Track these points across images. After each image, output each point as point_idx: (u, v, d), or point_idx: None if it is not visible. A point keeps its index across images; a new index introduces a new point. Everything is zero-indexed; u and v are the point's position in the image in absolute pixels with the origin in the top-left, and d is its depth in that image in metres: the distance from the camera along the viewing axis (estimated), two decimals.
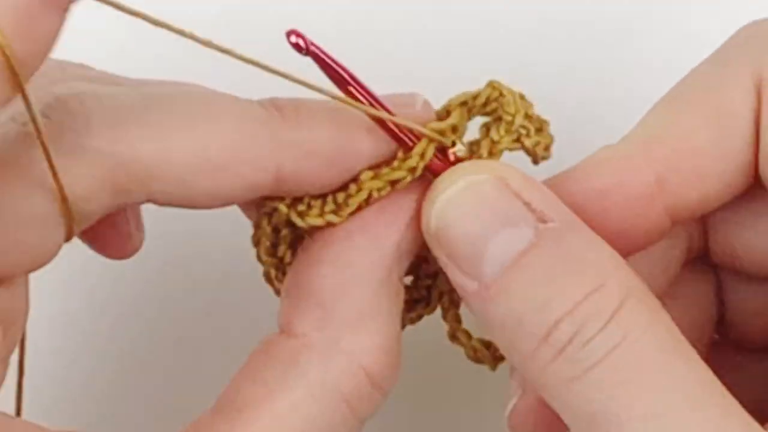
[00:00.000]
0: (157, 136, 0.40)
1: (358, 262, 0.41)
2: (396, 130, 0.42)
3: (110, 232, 0.47)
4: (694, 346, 0.39)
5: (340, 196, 0.42)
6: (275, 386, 0.39)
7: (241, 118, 0.41)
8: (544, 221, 0.39)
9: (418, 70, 0.58)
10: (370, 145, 0.42)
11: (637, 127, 0.43)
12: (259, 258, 0.44)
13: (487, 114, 0.44)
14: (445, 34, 0.58)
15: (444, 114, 0.44)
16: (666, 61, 0.59)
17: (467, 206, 0.40)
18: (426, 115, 0.43)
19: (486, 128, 0.44)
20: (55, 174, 0.38)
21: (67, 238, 0.40)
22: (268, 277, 0.44)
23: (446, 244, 0.40)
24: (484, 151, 0.43)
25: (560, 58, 0.59)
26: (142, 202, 0.41)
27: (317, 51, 0.40)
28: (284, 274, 0.43)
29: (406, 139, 0.42)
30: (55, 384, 0.58)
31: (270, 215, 0.43)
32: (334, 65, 0.41)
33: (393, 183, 0.42)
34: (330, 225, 0.42)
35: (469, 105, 0.44)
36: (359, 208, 0.42)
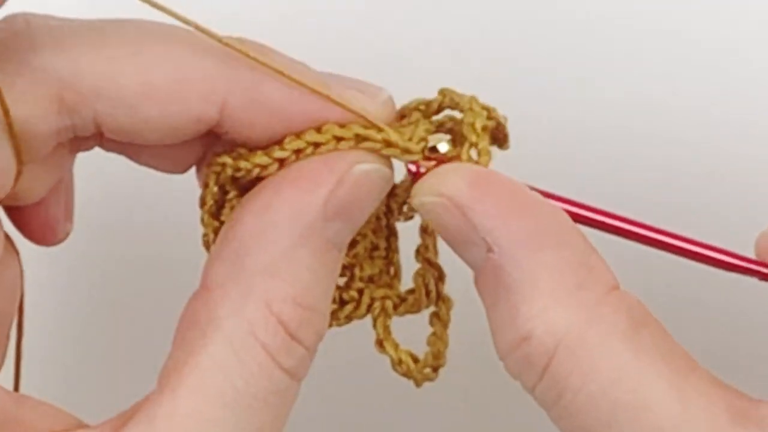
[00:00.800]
0: (103, 56, 0.40)
1: (279, 210, 0.40)
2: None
3: (38, 215, 0.46)
4: None
5: (284, 142, 0.42)
6: (196, 345, 0.39)
7: (192, 47, 0.41)
8: (489, 249, 0.39)
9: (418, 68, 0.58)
10: (319, 108, 0.41)
11: None
12: (202, 220, 0.44)
13: (443, 127, 0.43)
14: (445, 32, 0.58)
15: (399, 116, 0.43)
16: (666, 61, 0.59)
17: (435, 220, 0.41)
18: (385, 111, 0.43)
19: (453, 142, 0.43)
20: None
21: (18, 170, 0.40)
22: (206, 242, 0.44)
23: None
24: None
25: (560, 57, 0.59)
26: (91, 135, 0.42)
27: None
28: None
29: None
30: (54, 385, 0.58)
31: (218, 174, 0.43)
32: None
33: (335, 140, 0.41)
34: (266, 174, 0.42)
35: (423, 112, 0.43)
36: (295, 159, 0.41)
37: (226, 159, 0.42)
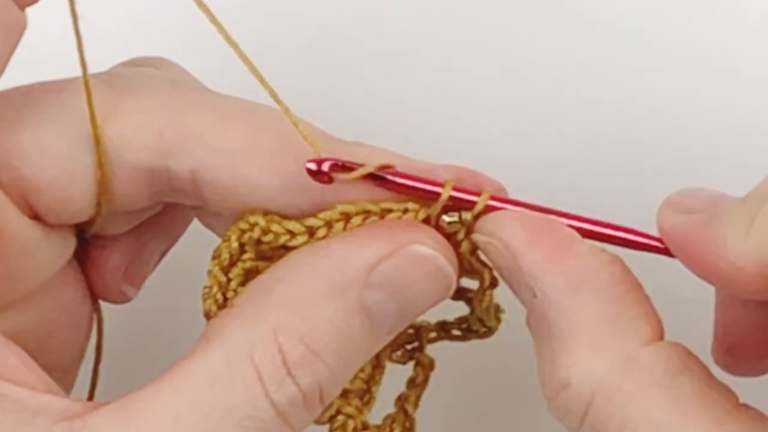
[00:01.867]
0: (211, 110, 0.41)
1: (323, 258, 0.40)
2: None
3: (101, 260, 0.47)
4: None
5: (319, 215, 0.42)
6: (197, 350, 0.39)
7: (282, 113, 0.41)
8: (534, 295, 0.39)
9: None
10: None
11: None
12: (209, 272, 0.43)
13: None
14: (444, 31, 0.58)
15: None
16: (666, 60, 0.59)
17: (490, 259, 0.41)
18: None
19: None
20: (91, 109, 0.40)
21: (100, 194, 0.41)
22: (206, 293, 0.43)
23: None
24: None
25: (560, 56, 0.58)
26: (181, 180, 0.42)
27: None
28: (224, 298, 0.42)
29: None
30: None
31: (244, 232, 0.42)
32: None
33: (364, 213, 0.41)
34: (292, 244, 0.41)
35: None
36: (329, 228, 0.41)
37: (259, 219, 0.42)
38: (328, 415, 0.43)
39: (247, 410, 0.38)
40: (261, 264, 0.42)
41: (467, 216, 0.42)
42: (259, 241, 0.42)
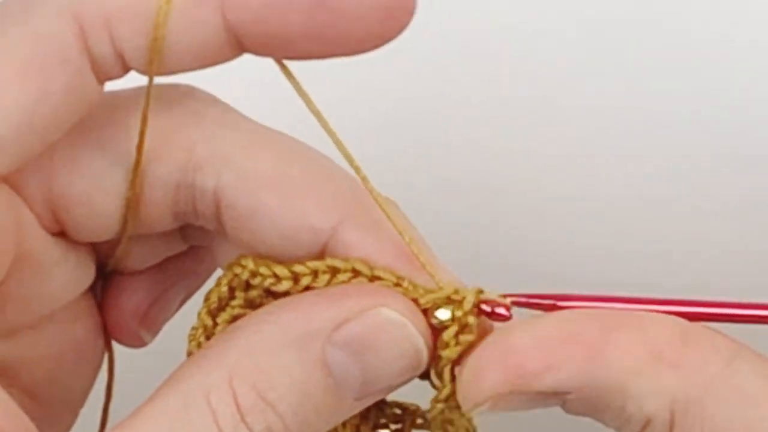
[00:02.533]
0: (243, 135, 0.41)
1: (290, 312, 0.40)
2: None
3: (119, 301, 0.47)
4: None
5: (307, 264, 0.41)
6: (159, 392, 0.39)
7: (320, 155, 0.42)
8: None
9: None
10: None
11: None
12: (198, 315, 0.43)
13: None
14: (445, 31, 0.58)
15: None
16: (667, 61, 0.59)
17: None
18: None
19: None
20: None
21: (127, 209, 0.42)
22: (192, 336, 0.43)
23: None
24: None
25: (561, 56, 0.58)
26: (206, 214, 0.42)
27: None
28: (208, 339, 0.42)
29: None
30: None
31: (234, 275, 0.42)
32: None
33: (353, 272, 0.41)
34: (277, 289, 0.41)
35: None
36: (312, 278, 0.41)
37: (248, 262, 0.42)
38: None
39: None
40: (249, 311, 0.42)
41: (460, 314, 0.40)
42: (248, 286, 0.42)
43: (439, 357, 0.40)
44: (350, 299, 0.40)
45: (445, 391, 0.40)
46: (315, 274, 0.41)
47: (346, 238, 0.41)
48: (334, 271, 0.41)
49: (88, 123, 0.41)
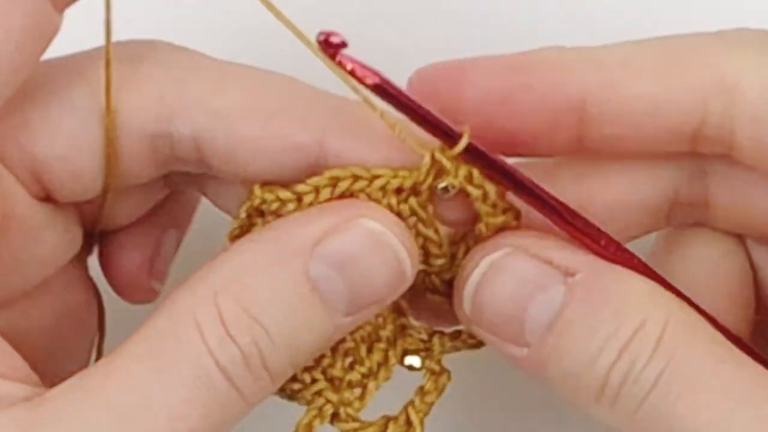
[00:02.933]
0: (210, 75, 0.42)
1: (276, 231, 0.41)
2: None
3: (123, 259, 0.48)
4: (740, 327, 0.42)
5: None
6: (149, 319, 0.40)
7: (296, 82, 0.42)
8: (571, 274, 0.40)
9: None
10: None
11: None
12: (223, 245, 0.44)
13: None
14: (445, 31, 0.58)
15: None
16: None
17: (496, 286, 0.41)
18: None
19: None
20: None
21: (107, 165, 0.42)
22: None
23: (486, 324, 0.41)
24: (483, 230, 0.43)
25: None
26: (185, 159, 0.42)
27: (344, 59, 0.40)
28: None
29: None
30: None
31: (248, 202, 0.43)
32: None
33: (353, 178, 0.42)
34: (284, 211, 0.42)
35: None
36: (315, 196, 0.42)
37: (257, 189, 0.42)
38: (307, 393, 0.43)
39: (193, 366, 0.38)
40: None
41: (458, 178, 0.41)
42: (261, 212, 0.43)
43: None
44: (330, 214, 0.40)
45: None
46: (317, 190, 0.42)
47: (334, 147, 0.41)
48: (335, 182, 0.41)
49: (58, 84, 0.42)
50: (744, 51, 0.41)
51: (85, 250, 0.47)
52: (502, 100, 0.41)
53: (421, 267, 0.43)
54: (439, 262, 0.43)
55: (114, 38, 0.41)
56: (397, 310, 0.45)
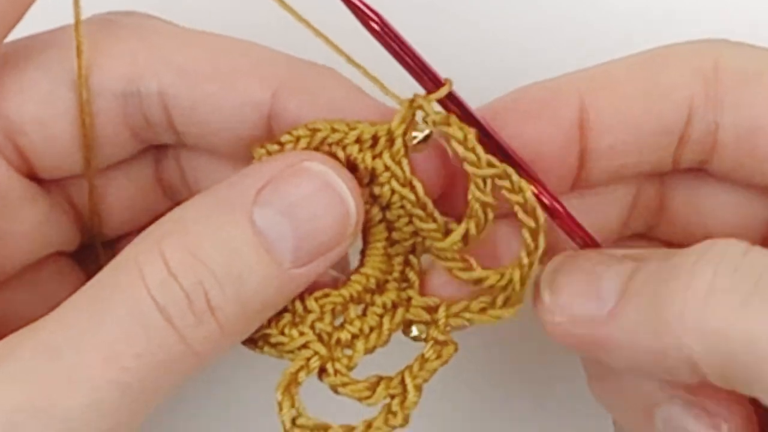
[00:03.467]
0: (174, 38, 0.43)
1: (227, 183, 0.41)
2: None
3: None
4: None
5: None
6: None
7: (252, 44, 0.44)
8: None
9: None
10: (368, 113, 0.43)
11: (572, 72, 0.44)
12: None
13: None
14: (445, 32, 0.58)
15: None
16: None
17: (571, 266, 0.42)
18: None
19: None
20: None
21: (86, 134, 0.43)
22: None
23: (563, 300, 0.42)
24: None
25: (562, 56, 0.58)
26: (158, 125, 0.43)
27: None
28: None
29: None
30: None
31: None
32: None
33: (331, 130, 0.42)
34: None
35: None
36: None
37: (254, 150, 0.43)
38: (294, 345, 0.43)
39: (129, 306, 0.38)
40: None
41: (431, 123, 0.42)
42: None
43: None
44: (274, 161, 0.41)
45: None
46: (297, 139, 0.42)
47: (288, 103, 0.42)
48: (314, 132, 0.42)
49: (32, 51, 0.43)
50: (726, 55, 0.43)
51: (90, 258, 0.48)
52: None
53: (410, 229, 0.44)
54: (426, 226, 0.43)
55: (88, 14, 0.43)
56: (404, 279, 0.45)
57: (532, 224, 0.42)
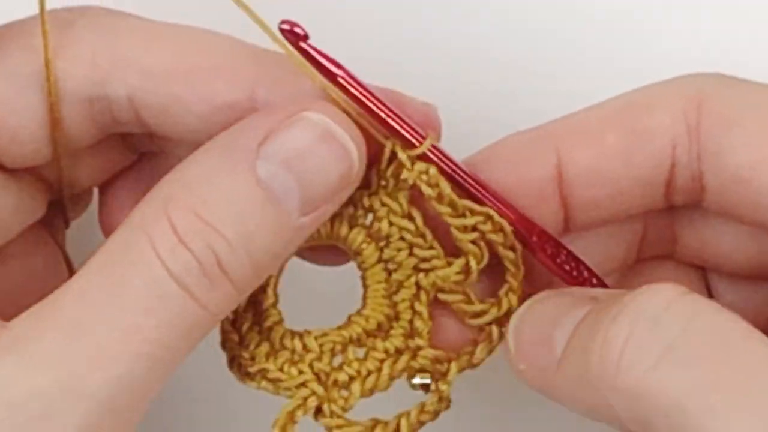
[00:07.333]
0: (139, 35, 0.42)
1: (227, 135, 0.41)
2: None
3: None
4: None
5: None
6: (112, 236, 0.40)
7: (227, 41, 0.43)
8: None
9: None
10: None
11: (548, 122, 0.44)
12: None
13: None
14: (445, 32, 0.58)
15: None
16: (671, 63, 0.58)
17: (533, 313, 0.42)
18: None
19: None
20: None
21: (52, 127, 0.42)
22: None
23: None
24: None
25: (562, 56, 0.58)
26: (127, 120, 0.43)
27: (308, 47, 0.40)
28: None
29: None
30: None
31: None
32: (324, 60, 0.41)
33: None
34: None
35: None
36: None
37: None
38: (292, 383, 0.43)
39: (144, 277, 0.38)
40: None
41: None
42: None
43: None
44: (273, 113, 0.41)
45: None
46: None
47: (265, 101, 0.42)
48: None
49: None
50: (710, 95, 0.42)
51: (58, 218, 0.48)
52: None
53: (411, 262, 0.44)
54: (428, 253, 0.44)
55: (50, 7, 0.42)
56: (412, 329, 0.45)
57: (512, 255, 0.43)
